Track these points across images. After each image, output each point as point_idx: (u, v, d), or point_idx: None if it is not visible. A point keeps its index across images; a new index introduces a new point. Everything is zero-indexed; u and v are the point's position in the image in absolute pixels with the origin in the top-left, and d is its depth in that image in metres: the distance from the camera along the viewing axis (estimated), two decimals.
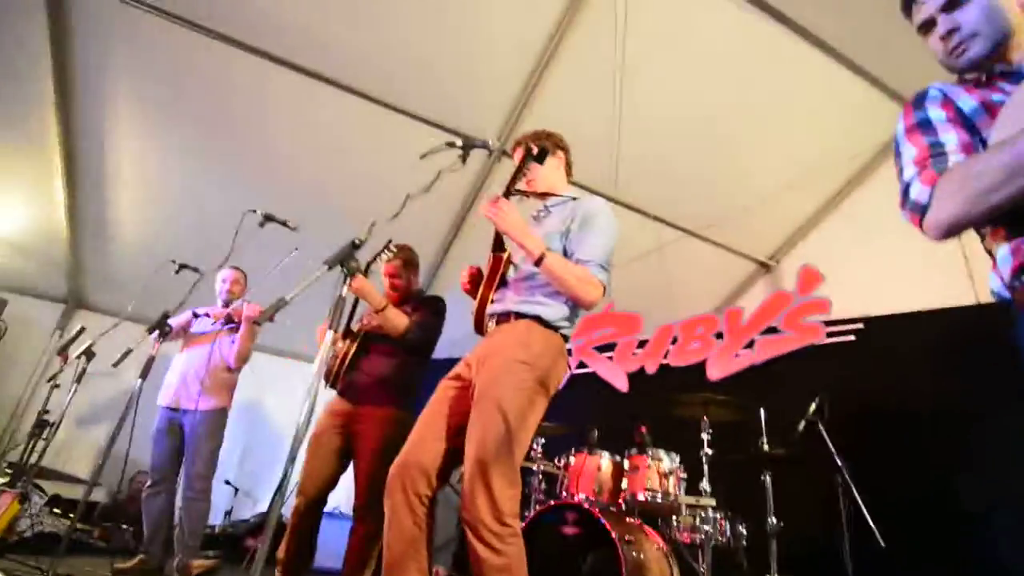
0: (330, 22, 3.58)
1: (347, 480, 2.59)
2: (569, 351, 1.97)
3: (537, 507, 2.98)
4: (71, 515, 3.51)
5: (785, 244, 5.13)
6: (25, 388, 4.74)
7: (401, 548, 1.67)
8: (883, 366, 3.42)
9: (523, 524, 1.69)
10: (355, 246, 1.67)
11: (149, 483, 3.30)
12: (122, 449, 2.66)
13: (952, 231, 0.99)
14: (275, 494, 1.37)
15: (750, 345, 4.04)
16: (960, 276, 3.65)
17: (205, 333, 3.50)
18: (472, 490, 1.62)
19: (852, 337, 3.67)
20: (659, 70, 3.88)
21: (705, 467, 2.90)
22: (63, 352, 3.27)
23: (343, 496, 4.12)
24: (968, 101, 1.09)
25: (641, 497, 2.83)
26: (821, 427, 2.77)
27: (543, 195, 2.08)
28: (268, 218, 2.87)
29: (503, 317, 1.90)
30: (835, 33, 3.69)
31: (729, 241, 5.05)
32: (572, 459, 3.06)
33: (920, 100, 1.14)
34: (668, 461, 2.93)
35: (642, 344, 4.52)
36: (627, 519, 2.79)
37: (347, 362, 2.62)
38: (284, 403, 5.60)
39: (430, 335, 2.66)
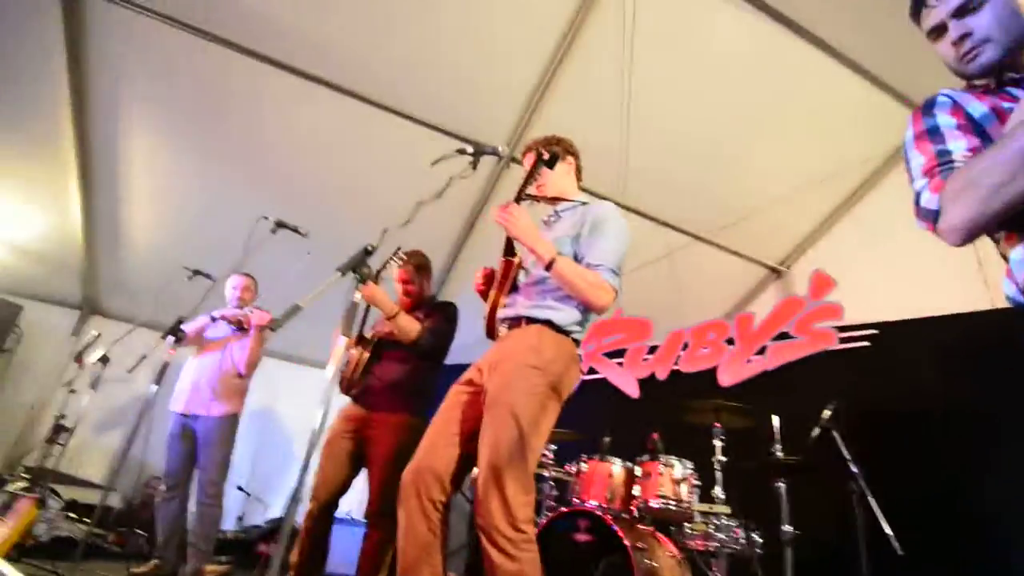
0: (347, 31, 3.62)
1: (359, 485, 2.60)
2: (579, 356, 1.97)
3: (548, 514, 2.96)
4: (87, 520, 3.55)
5: (796, 249, 5.10)
6: (41, 393, 4.80)
7: (415, 554, 1.67)
8: (898, 372, 3.39)
9: (535, 530, 1.68)
10: (367, 252, 1.69)
11: (164, 488, 3.32)
12: (136, 454, 2.69)
13: (968, 233, 0.98)
14: (291, 500, 1.37)
15: (762, 351, 4.01)
16: (974, 280, 3.61)
17: (217, 339, 3.53)
18: (486, 496, 1.62)
19: (867, 343, 3.64)
20: (667, 76, 3.89)
21: (718, 474, 2.87)
22: (79, 358, 3.31)
23: (355, 501, 4.14)
24: (978, 107, 1.08)
25: (654, 504, 2.81)
26: (836, 434, 2.74)
27: (553, 200, 2.09)
28: (280, 224, 2.90)
29: (514, 322, 1.91)
30: (845, 38, 3.68)
31: (739, 246, 5.03)
32: (583, 465, 3.04)
33: (929, 106, 1.13)
34: (680, 468, 2.90)
35: (652, 350, 4.50)
36: (639, 526, 2.77)
37: (361, 369, 2.63)
38: (295, 409, 5.63)
39: (442, 341, 2.67)
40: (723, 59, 3.82)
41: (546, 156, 1.90)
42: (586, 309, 1.88)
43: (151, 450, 3.00)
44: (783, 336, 3.97)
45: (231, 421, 3.42)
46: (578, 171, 2.16)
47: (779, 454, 2.89)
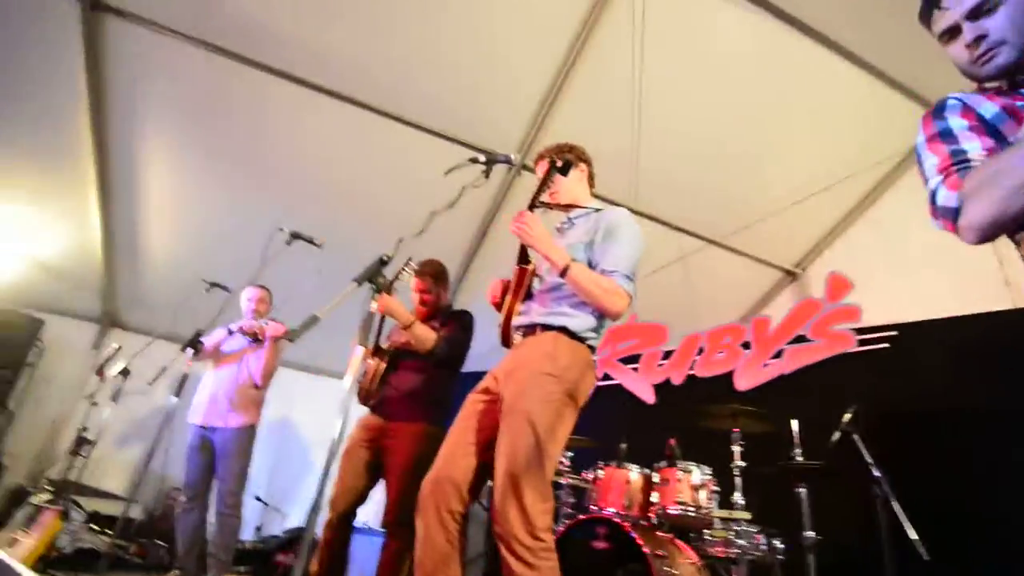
0: (361, 44, 3.67)
1: (375, 495, 2.61)
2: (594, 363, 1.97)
3: (566, 521, 2.95)
4: (109, 531, 3.59)
5: (811, 252, 5.06)
6: (63, 406, 4.87)
7: (433, 565, 1.67)
8: (918, 373, 3.33)
9: (553, 538, 1.67)
10: (383, 263, 1.70)
11: (184, 499, 3.35)
12: (156, 466, 2.72)
13: (988, 232, 0.97)
14: (311, 510, 1.38)
15: (778, 355, 3.97)
16: (995, 280, 3.56)
17: (233, 352, 3.57)
18: (504, 505, 1.61)
19: (886, 345, 3.59)
20: (678, 81, 3.89)
21: (737, 479, 2.84)
22: (100, 371, 3.36)
23: (371, 511, 4.15)
24: (990, 108, 1.08)
25: (672, 510, 2.79)
26: (856, 437, 2.70)
27: (567, 207, 2.10)
28: (295, 236, 2.93)
29: (529, 329, 1.91)
30: (856, 39, 3.67)
31: (753, 250, 5.00)
32: (600, 472, 3.03)
33: (940, 110, 1.13)
34: (699, 474, 2.88)
35: (668, 355, 4.47)
36: (658, 533, 2.75)
37: (378, 379, 2.64)
38: (312, 419, 5.66)
39: (458, 349, 2.67)
40: (734, 62, 3.82)
41: (559, 163, 1.91)
42: (601, 315, 1.88)
43: (171, 462, 3.04)
44: (800, 339, 3.92)
45: (248, 432, 3.44)
46: (591, 178, 2.17)
47: (799, 458, 2.86)
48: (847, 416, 2.75)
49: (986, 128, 1.06)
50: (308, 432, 5.73)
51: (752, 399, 3.72)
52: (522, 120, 4.09)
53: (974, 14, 1.09)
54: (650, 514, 2.86)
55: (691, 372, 4.30)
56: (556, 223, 2.12)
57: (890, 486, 2.58)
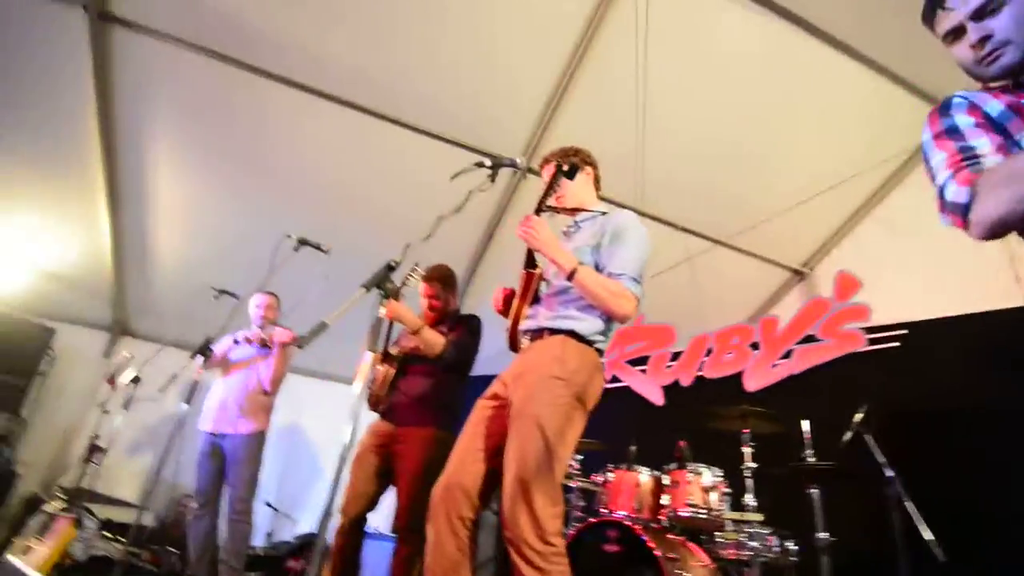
0: (357, 48, 3.69)
1: (385, 500, 2.61)
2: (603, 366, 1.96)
3: (576, 524, 2.94)
4: (121, 539, 3.61)
5: (819, 251, 5.03)
6: (75, 415, 4.90)
7: (443, 572, 1.67)
8: (930, 372, 3.31)
9: (564, 542, 1.67)
10: (391, 268, 1.70)
11: (195, 506, 3.37)
12: (167, 473, 2.73)
13: (997, 230, 0.97)
14: (323, 516, 1.39)
15: (788, 355, 3.95)
16: (1006, 276, 3.53)
17: (243, 360, 3.58)
18: (513, 509, 1.61)
19: (897, 343, 3.56)
20: (682, 82, 3.89)
21: (748, 481, 2.82)
22: (112, 379, 3.38)
23: (380, 516, 4.15)
24: (995, 106, 1.08)
25: (683, 513, 2.77)
26: (868, 437, 2.68)
27: (573, 211, 2.10)
28: (303, 242, 2.95)
29: (537, 334, 1.91)
30: (861, 36, 3.66)
31: (760, 249, 4.98)
32: (610, 475, 3.02)
33: (946, 107, 1.13)
34: (709, 475, 2.87)
35: (676, 356, 4.46)
36: (669, 536, 2.74)
37: (387, 385, 2.65)
38: (321, 424, 5.67)
39: (466, 354, 2.67)
40: (738, 62, 3.81)
41: (566, 167, 1.91)
42: (609, 318, 1.87)
43: (182, 469, 3.06)
44: (809, 339, 3.90)
45: (258, 438, 3.46)
46: (596, 181, 2.17)
47: (811, 459, 2.84)
48: (858, 416, 2.73)
49: (993, 126, 1.06)
50: (317, 438, 5.74)
51: (762, 400, 3.70)
52: (527, 123, 4.10)
53: (978, 14, 1.08)
54: (661, 517, 2.85)
55: (700, 373, 4.29)
56: (562, 227, 2.12)
57: (903, 486, 2.56)
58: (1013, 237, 1.02)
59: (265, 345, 3.56)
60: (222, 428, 3.39)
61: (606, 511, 2.91)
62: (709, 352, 4.32)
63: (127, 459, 4.86)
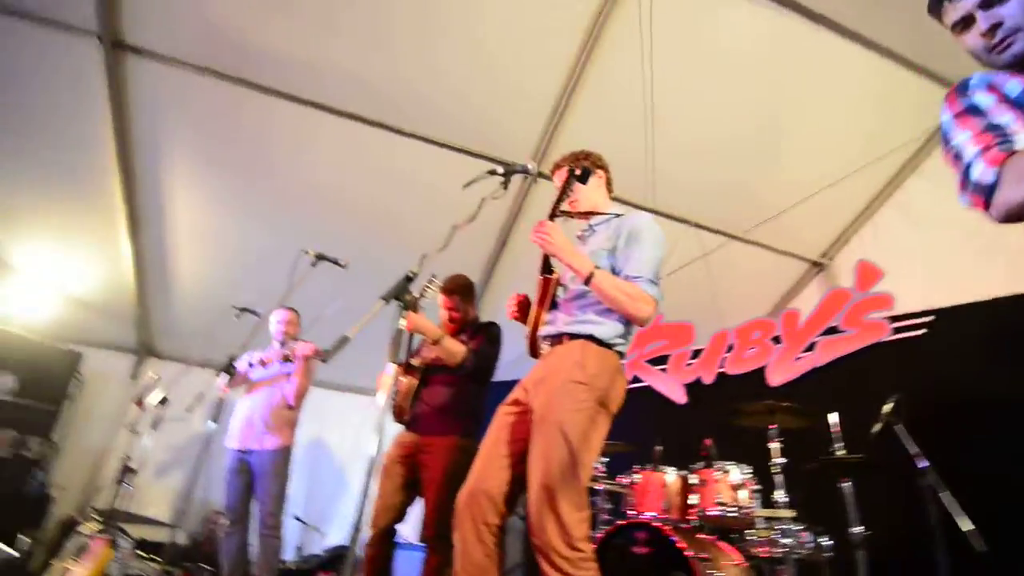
0: (363, 63, 3.73)
1: (413, 510, 2.62)
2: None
3: (604, 527, 2.92)
4: (156, 558, 3.66)
5: (837, 240, 4.96)
6: (105, 437, 4.99)
7: None
8: (958, 358, 3.23)
9: (592, 546, 1.66)
10: (408, 279, 1.71)
11: (226, 523, 3.41)
12: (197, 491, 2.78)
13: (1020, 214, 0.96)
14: (353, 528, 1.40)
15: (811, 347, 3.90)
16: None
17: (266, 379, 3.61)
18: (540, 516, 1.61)
19: (923, 331, 3.49)
20: (688, 77, 3.87)
21: (777, 477, 2.78)
22: (140, 401, 3.44)
23: (408, 526, 4.16)
24: (1015, 86, 1.06)
25: (712, 512, 2.74)
26: (899, 428, 2.63)
27: (587, 215, 2.10)
28: (320, 257, 2.99)
29: (556, 339, 1.91)
30: (865, 22, 3.61)
31: (777, 242, 4.93)
32: (636, 476, 3.00)
33: (964, 88, 1.12)
34: (737, 473, 2.83)
35: (696, 354, 4.42)
36: (700, 536, 2.71)
37: (411, 396, 2.67)
38: (345, 436, 5.70)
39: (487, 361, 2.68)
40: (744, 55, 3.79)
41: (578, 172, 1.91)
42: (628, 321, 1.86)
43: (212, 486, 3.10)
44: (832, 331, 3.85)
45: (284, 453, 3.49)
46: (608, 183, 2.17)
47: (840, 452, 2.79)
48: (888, 406, 2.69)
49: (1013, 105, 1.05)
50: (342, 450, 5.78)
51: (786, 394, 3.66)
52: (535, 127, 4.10)
53: (987, 2, 1.07)
54: (690, 516, 2.82)
55: (721, 370, 4.25)
56: (577, 231, 2.12)
57: (938, 476, 2.51)
58: None
59: (288, 360, 3.59)
60: (248, 444, 3.43)
61: (633, 513, 2.89)
62: (730, 348, 4.27)
63: (157, 479, 4.94)
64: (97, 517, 3.38)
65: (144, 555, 3.80)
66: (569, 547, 1.58)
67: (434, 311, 2.82)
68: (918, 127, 4.08)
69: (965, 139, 1.06)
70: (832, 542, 2.68)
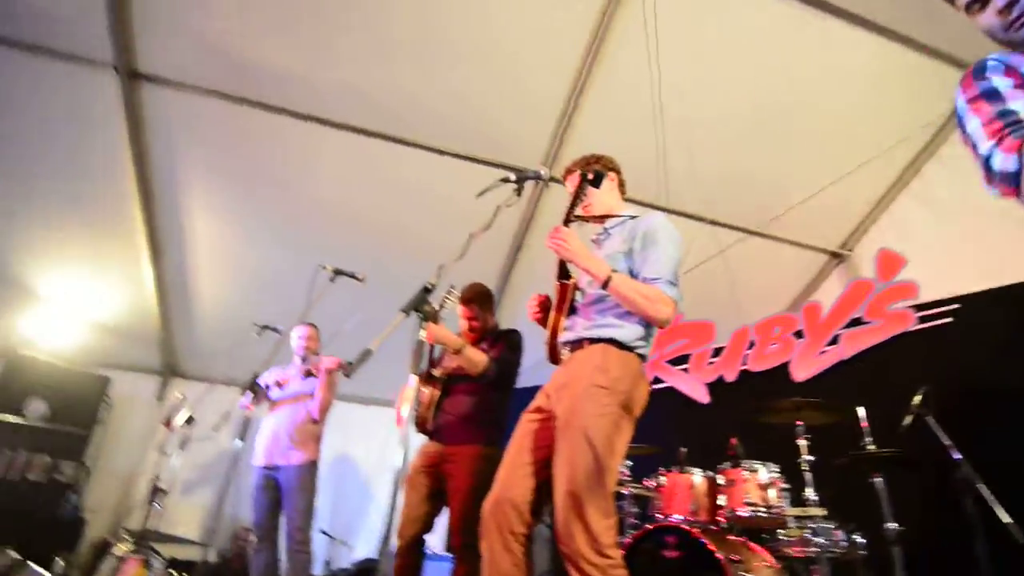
0: (370, 78, 3.77)
1: (441, 520, 2.63)
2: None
3: (632, 532, 2.90)
4: None
5: (856, 230, 4.87)
6: (134, 458, 5.07)
7: None
8: (987, 345, 3.16)
9: (621, 551, 1.65)
10: (427, 290, 1.72)
11: (255, 540, 3.43)
12: (226, 509, 2.80)
13: None
14: (382, 541, 1.40)
15: (834, 340, 3.84)
16: None
17: (289, 397, 3.64)
18: (567, 524, 1.60)
19: (950, 319, 3.42)
20: (697, 73, 3.85)
21: (807, 474, 2.73)
22: (168, 422, 3.49)
23: (436, 536, 4.16)
24: None
25: (742, 512, 2.70)
26: (930, 419, 2.57)
27: (601, 218, 2.09)
28: (338, 272, 3.02)
29: (576, 344, 1.90)
30: (874, 8, 3.55)
31: (795, 235, 4.86)
32: (662, 479, 2.97)
33: (980, 70, 1.09)
34: (765, 472, 2.79)
35: (717, 352, 4.38)
36: (730, 537, 2.67)
37: (434, 407, 2.68)
38: (371, 450, 5.71)
39: (509, 368, 2.69)
40: (752, 47, 3.75)
41: (590, 176, 1.92)
42: (648, 323, 1.85)
43: (241, 504, 3.13)
44: (856, 322, 3.79)
45: (311, 468, 3.51)
46: (621, 185, 2.16)
47: (871, 447, 2.74)
48: (917, 398, 2.63)
49: None
50: (366, 462, 5.79)
51: (812, 389, 3.61)
52: (544, 131, 4.10)
53: None
54: (719, 518, 2.78)
55: (744, 367, 4.20)
56: (592, 235, 2.12)
57: (973, 468, 2.45)
58: None
59: (310, 375, 3.62)
60: (275, 460, 3.45)
61: (662, 516, 2.86)
62: (751, 345, 4.22)
63: (187, 498, 4.99)
64: (129, 538, 3.44)
65: (176, 574, 3.86)
66: (598, 554, 1.57)
67: (453, 321, 2.83)
68: (933, 111, 4.01)
69: (976, 127, 1.04)
70: (865, 540, 2.62)
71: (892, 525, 2.59)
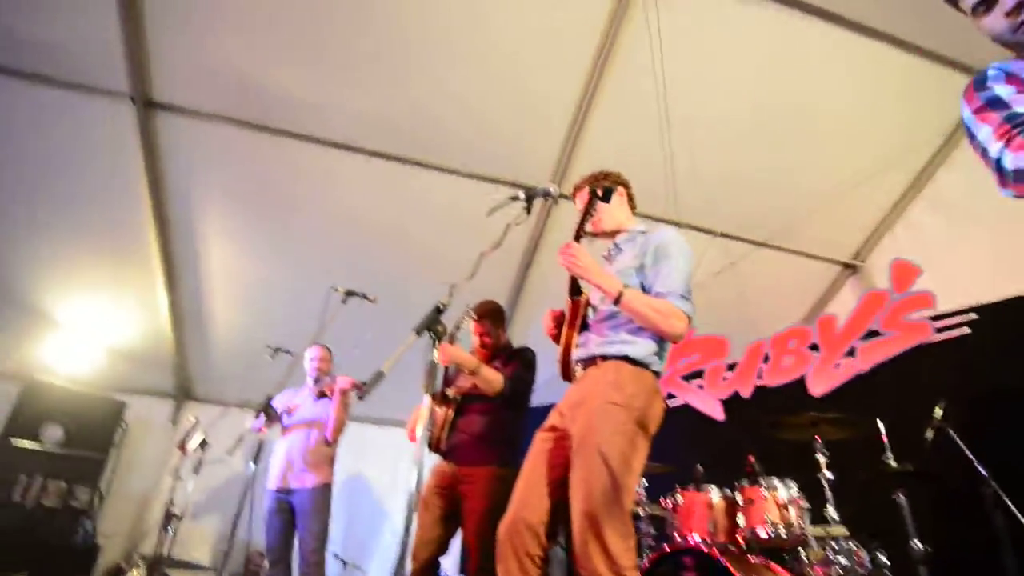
0: (377, 100, 3.83)
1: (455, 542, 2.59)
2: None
3: (649, 554, 2.84)
4: None
5: (869, 240, 4.82)
6: (148, 482, 5.07)
7: None
8: (1008, 355, 3.10)
9: (639, 574, 1.62)
10: (439, 311, 1.72)
11: (268, 563, 3.41)
12: (240, 533, 2.79)
13: None
14: (397, 564, 1.39)
15: (851, 353, 3.78)
16: None
17: (303, 422, 3.63)
18: (585, 546, 1.58)
19: (967, 330, 3.37)
20: (705, 87, 3.86)
21: (827, 492, 2.67)
22: (182, 446, 3.50)
23: (449, 559, 4.10)
24: None
25: (761, 532, 2.63)
26: (953, 433, 2.52)
27: (612, 233, 2.09)
28: (349, 293, 3.04)
29: (590, 361, 1.89)
30: (882, 16, 3.56)
31: (806, 246, 4.83)
32: (679, 498, 2.91)
33: (982, 81, 1.11)
34: (784, 490, 2.72)
35: (732, 367, 4.32)
36: (750, 558, 2.60)
37: (448, 427, 2.66)
38: (384, 471, 5.67)
39: (524, 387, 2.68)
40: (759, 60, 3.76)
41: (600, 192, 1.92)
42: (662, 339, 1.84)
43: (256, 528, 3.12)
44: (872, 334, 3.73)
45: (324, 491, 3.50)
46: (631, 200, 2.17)
47: (893, 463, 2.67)
48: (938, 411, 2.58)
49: None
50: (379, 484, 5.74)
51: (830, 404, 3.55)
52: (552, 147, 4.12)
53: None
54: (738, 538, 2.71)
55: (759, 382, 4.14)
56: (603, 251, 2.11)
57: (999, 482, 2.39)
58: None
59: (323, 396, 3.62)
60: (289, 483, 3.44)
61: (679, 538, 2.80)
62: (766, 359, 4.17)
63: (200, 522, 4.98)
64: (143, 564, 3.42)
65: None
66: None
67: (466, 339, 2.83)
68: (944, 118, 3.99)
69: (987, 135, 1.05)
70: (890, 559, 2.55)
71: (917, 544, 2.52)
